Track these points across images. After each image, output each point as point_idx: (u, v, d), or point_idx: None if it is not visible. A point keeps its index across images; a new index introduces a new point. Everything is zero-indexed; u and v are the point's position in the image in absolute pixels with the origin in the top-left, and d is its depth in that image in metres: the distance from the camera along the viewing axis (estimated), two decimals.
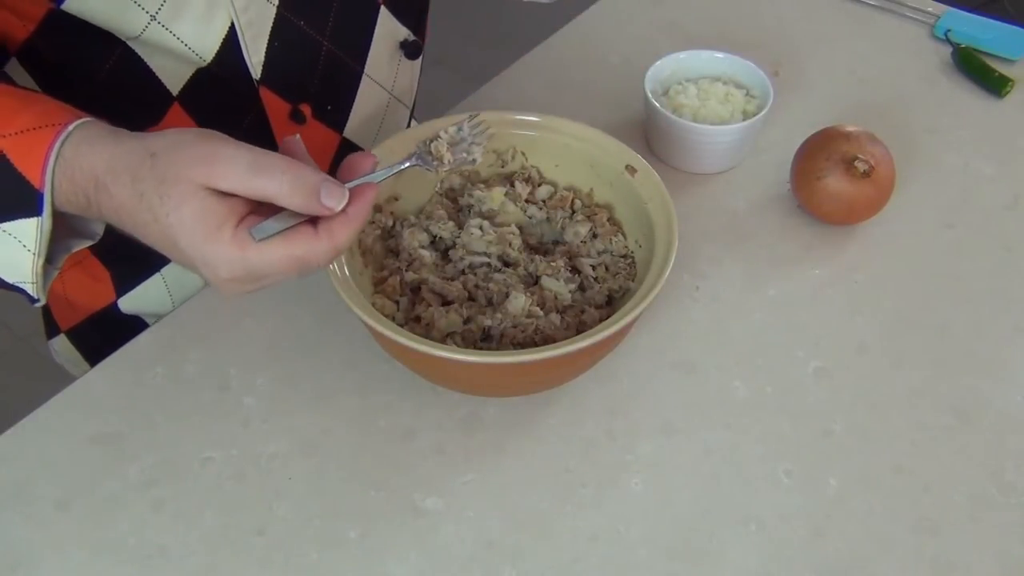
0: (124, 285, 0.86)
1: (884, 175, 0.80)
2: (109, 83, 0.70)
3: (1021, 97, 0.97)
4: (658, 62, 0.90)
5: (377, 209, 0.75)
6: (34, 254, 0.57)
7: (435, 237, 0.76)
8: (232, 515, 0.65)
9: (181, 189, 0.51)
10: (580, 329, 0.69)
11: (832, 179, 0.80)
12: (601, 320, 0.68)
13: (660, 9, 1.08)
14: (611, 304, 0.73)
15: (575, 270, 0.74)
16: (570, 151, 0.77)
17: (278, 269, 0.53)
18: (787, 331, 0.77)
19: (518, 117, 0.77)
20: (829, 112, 0.94)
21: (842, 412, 0.71)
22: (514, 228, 0.75)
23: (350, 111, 0.82)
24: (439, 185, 0.79)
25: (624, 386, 0.73)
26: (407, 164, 0.63)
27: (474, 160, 0.66)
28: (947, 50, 1.02)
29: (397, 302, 0.72)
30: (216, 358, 0.74)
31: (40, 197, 0.55)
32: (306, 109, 0.78)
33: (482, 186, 0.78)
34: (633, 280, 0.74)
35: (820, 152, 0.81)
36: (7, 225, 0.56)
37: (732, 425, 0.71)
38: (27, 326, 1.87)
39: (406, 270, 0.73)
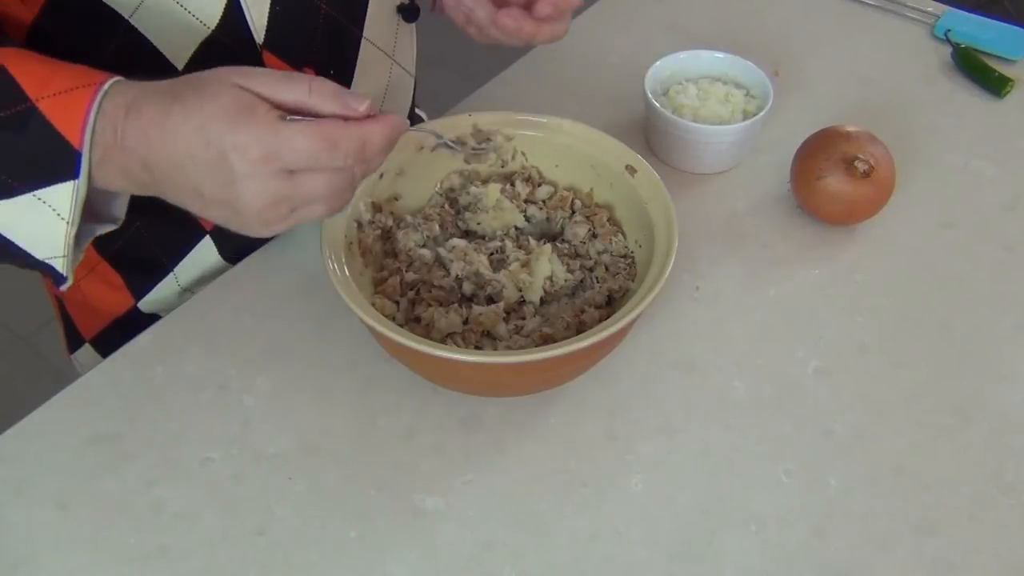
0: (140, 289, 0.86)
1: (884, 175, 0.80)
2: (116, 64, 0.71)
3: (1021, 97, 0.97)
4: (658, 62, 0.90)
5: (377, 209, 0.75)
6: (67, 222, 0.57)
7: (428, 238, 0.76)
8: (232, 515, 0.65)
9: (217, 86, 0.54)
10: (580, 329, 0.69)
11: (832, 179, 0.80)
12: (601, 320, 0.68)
13: (660, 9, 1.08)
14: (611, 304, 0.73)
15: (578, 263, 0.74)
16: (570, 151, 0.77)
17: (309, 146, 0.54)
18: (787, 331, 0.77)
19: (518, 117, 0.77)
20: (829, 112, 0.94)
21: (842, 412, 0.71)
22: (499, 243, 0.75)
23: (352, 76, 0.82)
24: (439, 185, 0.79)
25: (624, 386, 0.73)
26: (437, 140, 0.72)
27: (495, 147, 0.76)
28: (947, 50, 1.02)
29: (397, 302, 0.72)
30: (216, 358, 0.74)
31: (78, 157, 0.55)
32: (309, 73, 0.78)
33: (481, 184, 0.78)
34: (633, 280, 0.74)
35: (820, 152, 0.81)
36: (41, 192, 0.56)
37: (732, 425, 0.71)
38: (27, 326, 1.87)
39: (406, 270, 0.73)
